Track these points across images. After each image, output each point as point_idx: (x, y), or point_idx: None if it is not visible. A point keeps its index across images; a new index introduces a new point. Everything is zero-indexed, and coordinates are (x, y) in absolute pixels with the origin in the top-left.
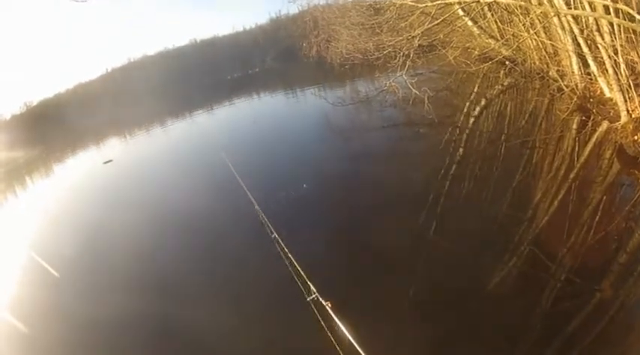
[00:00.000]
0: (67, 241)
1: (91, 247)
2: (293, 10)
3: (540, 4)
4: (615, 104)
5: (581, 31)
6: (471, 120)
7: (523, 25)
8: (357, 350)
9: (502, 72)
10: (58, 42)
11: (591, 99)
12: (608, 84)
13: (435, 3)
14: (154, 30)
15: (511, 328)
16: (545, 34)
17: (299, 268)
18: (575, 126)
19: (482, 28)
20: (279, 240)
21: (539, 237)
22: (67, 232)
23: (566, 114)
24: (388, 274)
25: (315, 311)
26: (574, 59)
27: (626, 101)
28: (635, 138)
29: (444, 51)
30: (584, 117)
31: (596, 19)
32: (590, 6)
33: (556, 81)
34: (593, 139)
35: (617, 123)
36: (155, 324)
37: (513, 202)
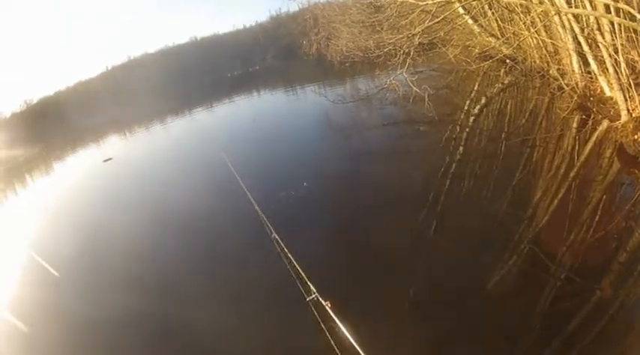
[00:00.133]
0: (67, 240)
1: (91, 246)
2: (293, 7)
3: (541, 2)
4: (615, 103)
5: (582, 30)
6: (471, 118)
7: (524, 23)
8: (357, 351)
9: (502, 70)
10: (58, 41)
11: (591, 98)
12: (609, 83)
13: (435, 1)
14: (154, 28)
15: (511, 327)
16: (546, 32)
17: (299, 268)
18: (575, 124)
19: (482, 26)
20: (279, 240)
21: (539, 235)
22: (67, 231)
23: (566, 112)
24: (388, 274)
25: (315, 311)
26: (574, 58)
27: (626, 100)
28: (636, 137)
29: (444, 49)
30: (584, 116)
31: (596, 18)
32: (591, 5)
33: (556, 79)
34: (594, 138)
35: (617, 122)
36: (155, 324)
37: (513, 201)
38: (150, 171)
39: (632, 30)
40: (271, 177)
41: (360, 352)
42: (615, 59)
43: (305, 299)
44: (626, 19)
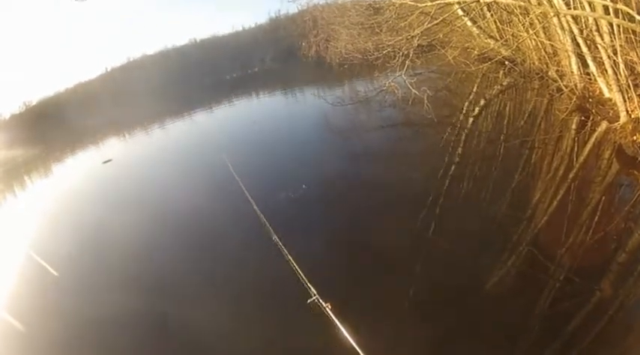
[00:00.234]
0: (67, 240)
1: (91, 246)
2: (292, 9)
3: (540, 4)
4: (614, 104)
5: (581, 32)
6: (470, 120)
7: (522, 25)
8: (358, 352)
9: (501, 72)
10: (58, 42)
11: (590, 100)
12: (608, 84)
13: (434, 3)
14: (153, 29)
15: (511, 328)
16: (545, 34)
17: (299, 270)
18: (574, 126)
19: (481, 28)
20: (279, 242)
21: (538, 236)
22: (66, 231)
23: (565, 114)
24: (388, 274)
25: (315, 313)
26: (573, 59)
27: (625, 101)
28: (634, 138)
29: (443, 51)
30: (583, 118)
31: (595, 20)
32: (590, 6)
33: (555, 81)
34: (593, 139)
35: (616, 124)
36: (154, 325)
37: (512, 202)
38: (149, 173)
39: (630, 31)
40: (271, 178)
41: (361, 354)
42: (614, 60)
43: (305, 301)
44: (625, 20)
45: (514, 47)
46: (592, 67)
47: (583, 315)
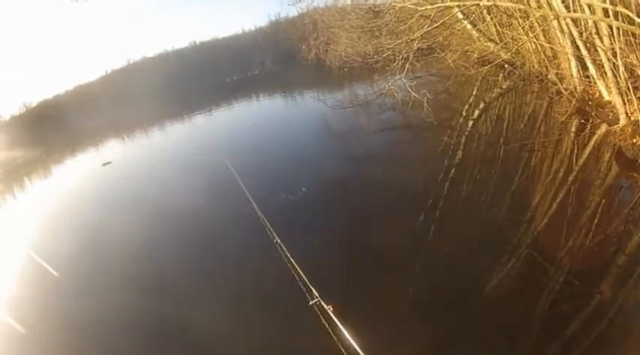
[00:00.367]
0: (67, 241)
1: (91, 247)
2: (292, 12)
3: (539, 7)
4: (614, 107)
5: (580, 34)
6: (470, 123)
7: (522, 28)
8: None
9: (501, 75)
10: (58, 42)
11: (590, 102)
12: (607, 87)
13: (434, 6)
14: (153, 31)
15: (511, 329)
16: (545, 37)
17: (301, 272)
18: (573, 129)
19: (481, 31)
20: (282, 245)
21: (538, 239)
22: (66, 233)
23: (564, 117)
24: (389, 277)
25: (318, 315)
26: (573, 62)
27: (624, 104)
28: (634, 140)
29: (443, 54)
30: (582, 120)
31: (595, 22)
32: (590, 9)
33: (555, 84)
34: (592, 142)
35: (615, 126)
36: (154, 325)
37: (512, 205)
38: (149, 175)
39: (630, 34)
40: (271, 180)
41: None
42: (614, 63)
43: (307, 302)
44: (624, 22)
45: (514, 50)
46: (592, 70)
47: (583, 318)
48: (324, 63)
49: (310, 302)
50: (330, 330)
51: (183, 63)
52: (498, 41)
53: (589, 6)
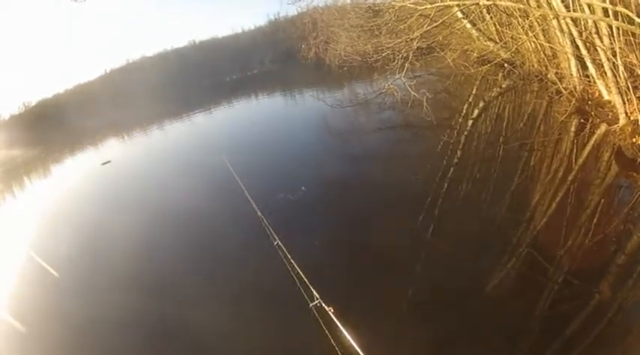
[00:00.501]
0: (67, 241)
1: (91, 247)
2: (292, 12)
3: (539, 6)
4: (614, 107)
5: (580, 34)
6: (470, 122)
7: (522, 27)
8: None
9: (500, 74)
10: (58, 42)
11: (590, 102)
12: (607, 86)
13: (434, 5)
14: (153, 30)
15: (511, 329)
16: (544, 36)
17: (301, 274)
18: (573, 128)
19: (480, 30)
20: (282, 247)
21: (537, 238)
22: (66, 232)
23: (564, 116)
24: (390, 278)
25: (318, 317)
26: (573, 62)
27: (624, 103)
28: (634, 140)
29: (442, 53)
30: (582, 120)
31: (595, 22)
32: (589, 9)
33: (554, 83)
34: (592, 142)
35: (615, 126)
36: (155, 325)
37: (512, 204)
38: (149, 174)
39: (630, 33)
40: (271, 179)
41: None
42: (613, 63)
43: (307, 303)
44: (624, 22)
45: (513, 50)
46: (591, 70)
47: (582, 317)
48: (323, 62)
49: (311, 304)
50: (330, 332)
51: (182, 62)
52: (498, 40)
53: (589, 5)
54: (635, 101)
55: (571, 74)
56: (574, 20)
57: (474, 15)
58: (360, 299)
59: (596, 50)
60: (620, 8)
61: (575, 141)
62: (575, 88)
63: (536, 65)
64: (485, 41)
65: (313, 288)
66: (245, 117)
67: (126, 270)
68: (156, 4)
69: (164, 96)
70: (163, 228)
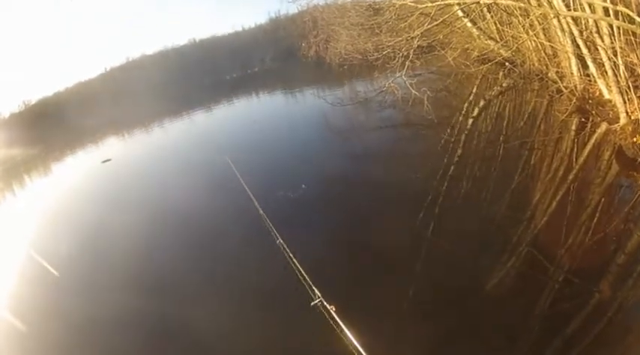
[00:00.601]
0: (67, 240)
1: (91, 246)
2: (292, 10)
3: (540, 5)
4: (614, 106)
5: (581, 33)
6: (470, 121)
7: (522, 26)
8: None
9: (501, 73)
10: (58, 42)
11: (590, 101)
12: (608, 86)
13: (434, 4)
14: (153, 29)
15: (511, 328)
16: (545, 35)
17: (303, 273)
18: (573, 127)
19: (481, 29)
20: (284, 246)
21: (538, 237)
22: (66, 231)
23: (565, 115)
24: (391, 276)
25: (320, 315)
26: (573, 61)
27: (625, 103)
28: (634, 139)
29: (443, 52)
30: (583, 119)
31: (595, 21)
32: (590, 8)
33: (555, 82)
34: (592, 141)
35: (616, 125)
36: (156, 324)
37: (512, 203)
38: (149, 172)
39: (631, 33)
40: (272, 177)
41: None
42: (614, 62)
43: (308, 302)
44: (625, 21)
45: (514, 48)
46: (592, 69)
47: (582, 316)
48: (324, 60)
49: (312, 303)
50: (332, 330)
51: (182, 60)
52: (498, 39)
53: (589, 5)
54: (635, 100)
55: (572, 73)
56: (575, 19)
57: (474, 14)
58: (361, 297)
59: (597, 49)
60: (620, 7)
61: (576, 140)
62: (575, 86)
63: (536, 64)
64: (486, 40)
65: (315, 287)
66: (246, 116)
67: (126, 269)
68: (156, 4)
69: (164, 95)
70: (164, 226)
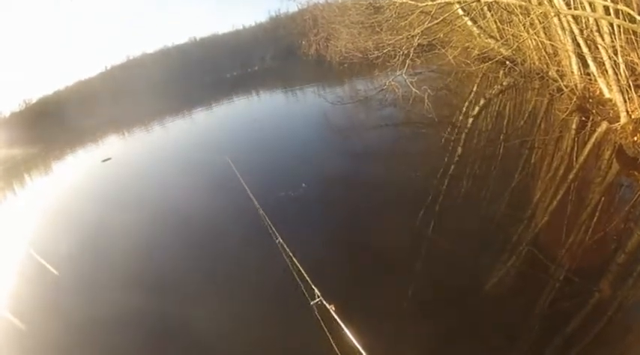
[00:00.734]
0: (67, 239)
1: (91, 245)
2: (293, 8)
3: (540, 4)
4: (615, 105)
5: (581, 32)
6: (471, 119)
7: (523, 25)
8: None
9: (501, 72)
10: (58, 41)
11: (591, 100)
12: (608, 84)
13: (435, 2)
14: (153, 28)
15: (511, 327)
16: (545, 34)
17: (303, 272)
18: (574, 126)
19: (481, 27)
20: (284, 245)
21: (538, 236)
22: (66, 230)
23: (565, 114)
24: (391, 276)
25: (320, 315)
26: (574, 59)
27: (625, 102)
28: (635, 138)
29: (443, 50)
30: (583, 118)
31: (596, 20)
32: (591, 6)
33: (555, 81)
34: (593, 140)
35: (616, 124)
36: (156, 324)
37: (512, 202)
38: (149, 171)
39: (631, 32)
40: (272, 176)
41: None
42: (614, 61)
43: (308, 301)
44: (625, 20)
45: (514, 47)
46: (592, 68)
47: (582, 315)
48: (324, 58)
49: (312, 302)
50: (332, 330)
51: (183, 58)
52: (499, 38)
53: (590, 3)
54: (636, 99)
55: (572, 72)
56: (575, 18)
57: (474, 12)
58: (361, 296)
59: (597, 48)
60: (621, 6)
61: (576, 139)
62: (576, 85)
63: (537, 63)
64: (486, 38)
65: (314, 286)
66: (246, 114)
67: (126, 268)
68: (156, 4)
69: (165, 93)
70: (164, 225)
